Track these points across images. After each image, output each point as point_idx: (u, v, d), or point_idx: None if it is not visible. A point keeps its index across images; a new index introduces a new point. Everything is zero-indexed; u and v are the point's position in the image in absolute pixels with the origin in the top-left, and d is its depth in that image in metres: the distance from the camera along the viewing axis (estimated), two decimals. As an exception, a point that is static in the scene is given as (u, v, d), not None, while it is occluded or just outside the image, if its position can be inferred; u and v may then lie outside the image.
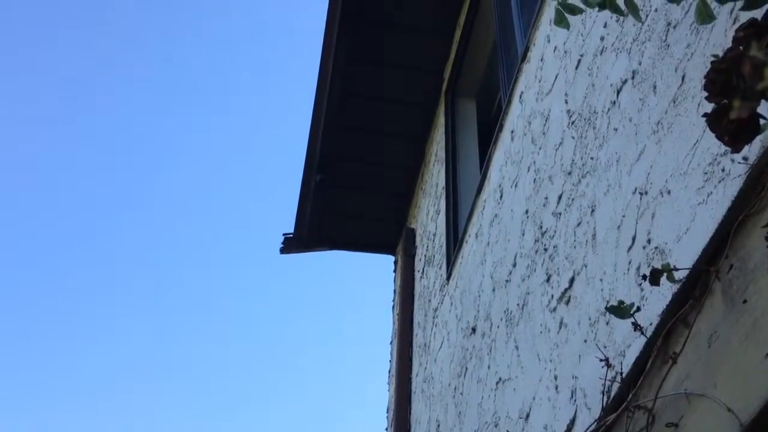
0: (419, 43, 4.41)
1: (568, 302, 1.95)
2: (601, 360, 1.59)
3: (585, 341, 1.79)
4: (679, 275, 1.35)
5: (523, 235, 2.46)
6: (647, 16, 1.77)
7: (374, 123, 4.87)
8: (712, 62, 0.83)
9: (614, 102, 1.87)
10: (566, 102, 2.26)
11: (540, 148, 2.44)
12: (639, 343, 1.50)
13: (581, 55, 2.19)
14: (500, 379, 2.44)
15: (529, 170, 2.52)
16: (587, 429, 1.59)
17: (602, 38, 2.05)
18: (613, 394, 1.57)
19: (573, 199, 2.05)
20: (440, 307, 3.64)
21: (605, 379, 1.57)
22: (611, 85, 1.92)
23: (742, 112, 0.75)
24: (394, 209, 5.38)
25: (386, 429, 4.87)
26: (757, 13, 1.11)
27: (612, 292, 1.69)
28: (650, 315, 1.48)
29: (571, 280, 1.95)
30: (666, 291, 1.43)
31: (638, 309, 1.42)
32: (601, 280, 1.76)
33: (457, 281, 3.34)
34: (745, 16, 1.29)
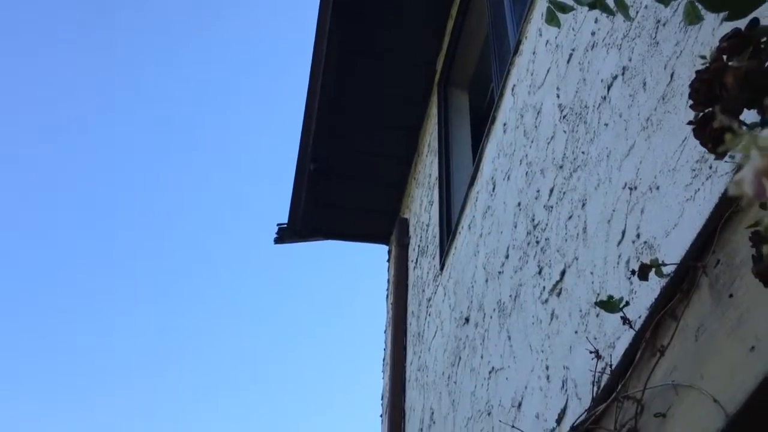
0: (412, 35, 4.43)
1: (559, 294, 1.99)
2: (591, 352, 1.62)
3: (576, 333, 1.83)
4: (667, 270, 1.39)
5: (515, 227, 2.49)
6: (637, 13, 1.79)
7: (368, 114, 4.89)
8: (696, 72, 0.85)
9: (605, 97, 1.90)
10: (558, 96, 2.29)
11: (532, 142, 2.46)
12: (628, 335, 1.54)
13: (573, 50, 2.22)
14: (493, 368, 2.48)
15: (521, 163, 2.55)
16: (578, 418, 1.63)
17: (593, 33, 2.08)
18: (602, 384, 1.61)
19: (564, 193, 2.08)
20: (434, 297, 3.68)
21: (595, 371, 1.61)
22: (602, 81, 1.94)
23: (725, 121, 0.78)
24: (388, 199, 5.41)
25: (381, 416, 4.92)
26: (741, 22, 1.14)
27: (602, 285, 1.73)
28: (639, 308, 1.51)
29: (563, 273, 1.99)
30: (654, 285, 1.46)
31: (627, 303, 1.45)
32: (591, 273, 1.80)
33: (451, 272, 3.38)
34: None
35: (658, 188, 1.53)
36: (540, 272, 2.17)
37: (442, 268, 3.57)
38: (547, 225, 2.18)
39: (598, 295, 1.73)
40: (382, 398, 5.01)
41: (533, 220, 2.32)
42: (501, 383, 2.37)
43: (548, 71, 2.43)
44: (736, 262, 1.25)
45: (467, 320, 2.93)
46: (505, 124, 2.85)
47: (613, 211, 1.73)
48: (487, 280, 2.73)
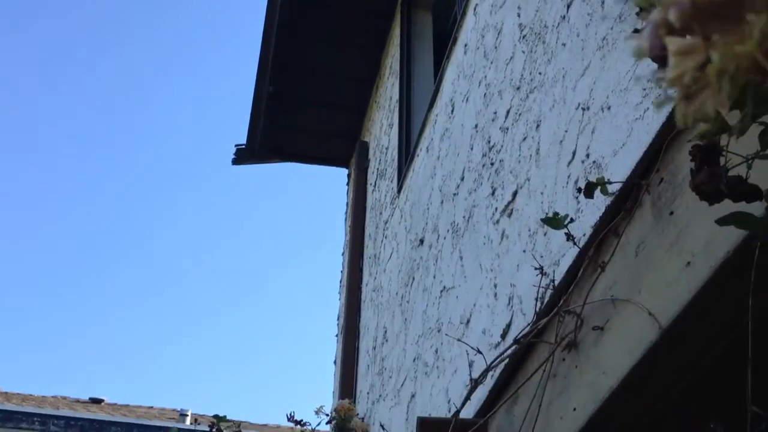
0: (376, -49, 4.29)
1: (510, 215, 2.02)
2: (536, 268, 1.66)
3: (524, 251, 1.87)
4: (612, 188, 1.41)
5: (471, 149, 2.50)
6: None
7: (329, 35, 4.78)
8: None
9: (564, 17, 1.88)
10: (519, 15, 2.26)
11: (492, 63, 2.44)
12: (572, 253, 1.58)
13: (535, -32, 2.18)
14: (444, 287, 2.53)
15: (480, 85, 2.53)
16: (520, 332, 1.68)
17: (556, -49, 2.03)
18: (545, 300, 1.65)
19: (520, 114, 2.08)
20: (391, 219, 3.70)
21: (539, 286, 1.65)
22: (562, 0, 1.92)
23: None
24: (349, 122, 5.36)
25: (336, 335, 5.02)
26: None
27: (551, 204, 1.75)
28: (584, 226, 1.54)
29: (514, 194, 2.01)
30: (600, 204, 1.49)
31: (572, 220, 1.48)
32: (541, 193, 1.82)
33: (408, 194, 3.39)
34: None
35: (609, 108, 1.53)
36: (493, 193, 2.19)
37: (399, 191, 3.58)
38: (502, 147, 2.19)
39: (547, 214, 1.76)
40: (338, 319, 5.09)
41: (489, 141, 2.32)
42: (451, 302, 2.42)
43: (510, -10, 2.38)
44: (678, 180, 1.27)
45: (422, 242, 2.96)
46: (466, 45, 2.81)
47: (566, 131, 1.74)
48: (442, 202, 2.75)
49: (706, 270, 1.15)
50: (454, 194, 2.61)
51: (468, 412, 1.91)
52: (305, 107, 5.28)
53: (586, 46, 1.71)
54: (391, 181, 3.87)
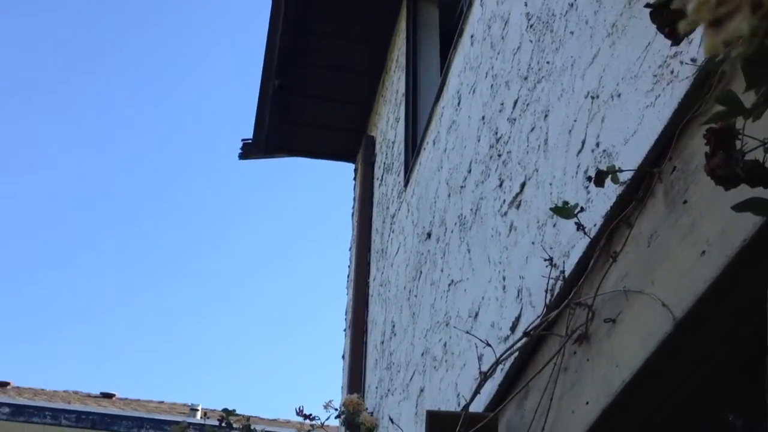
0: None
1: (518, 206, 1.99)
2: (545, 260, 1.63)
3: (533, 243, 1.84)
4: (624, 177, 1.38)
5: (478, 141, 2.47)
6: None
7: (335, 28, 4.75)
8: None
9: (572, 4, 1.85)
10: (526, 5, 2.22)
11: (498, 53, 2.41)
12: (583, 243, 1.55)
13: (542, -44, 2.14)
14: (452, 281, 2.50)
15: (486, 76, 2.50)
16: (530, 325, 1.65)
17: (564, -62, 2.00)
18: (555, 292, 1.63)
19: (528, 105, 2.05)
20: (397, 213, 3.68)
21: (549, 279, 1.63)
22: (570, -13, 1.89)
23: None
24: (355, 116, 5.33)
25: (344, 330, 5.00)
26: None
27: (560, 195, 1.72)
28: (595, 217, 1.51)
29: (523, 185, 1.98)
30: (611, 194, 1.46)
31: (582, 209, 1.45)
32: (550, 184, 1.79)
33: (414, 188, 3.37)
34: None
35: (619, 96, 1.50)
36: (501, 185, 2.16)
37: (406, 185, 3.55)
38: (509, 138, 2.16)
39: (556, 205, 1.73)
40: (345, 313, 5.08)
41: (496, 133, 2.29)
42: (459, 295, 2.40)
43: (517, -21, 2.35)
44: (692, 168, 1.24)
45: (429, 235, 2.94)
46: (472, 36, 2.78)
47: (575, 121, 1.71)
48: (449, 195, 2.73)
49: (722, 259, 1.13)
50: (462, 187, 2.58)
51: (477, 406, 1.89)
52: (311, 102, 5.25)
53: (595, 33, 1.68)
54: (398, 175, 3.84)
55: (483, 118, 2.46)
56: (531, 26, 2.14)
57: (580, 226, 1.45)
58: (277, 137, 5.43)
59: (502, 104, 2.28)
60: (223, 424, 2.60)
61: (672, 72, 1.31)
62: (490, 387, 1.88)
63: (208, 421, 6.75)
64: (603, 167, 1.51)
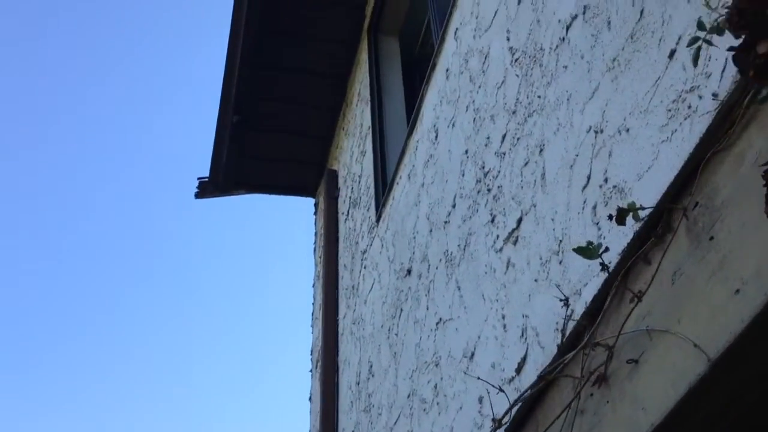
0: (341, -22, 4.25)
1: (515, 242, 1.95)
2: (560, 300, 1.59)
3: (536, 281, 1.80)
4: (643, 213, 1.35)
5: (462, 175, 2.43)
6: (598, -51, 1.73)
7: (293, 62, 4.70)
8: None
9: (563, 39, 1.84)
10: (508, 39, 2.21)
11: (480, 87, 2.39)
12: (596, 281, 1.51)
13: (524, -9, 2.14)
14: (441, 319, 2.44)
15: (467, 110, 2.48)
16: (546, 367, 1.60)
17: (548, -27, 2.00)
18: (568, 332, 1.58)
19: (518, 139, 2.02)
20: (369, 249, 3.61)
21: (565, 318, 1.58)
22: (559, 21, 1.88)
23: None
24: (315, 151, 5.27)
25: (311, 371, 4.87)
26: None
27: (565, 231, 1.69)
28: (609, 254, 1.48)
29: (519, 221, 1.94)
30: (627, 230, 1.43)
31: (606, 249, 1.42)
32: (552, 219, 1.76)
33: (388, 223, 3.31)
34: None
35: (628, 131, 1.48)
36: (493, 221, 2.12)
37: (378, 220, 3.49)
38: (499, 172, 2.13)
39: (561, 241, 1.70)
40: (311, 353, 4.95)
41: (483, 167, 2.26)
42: (450, 334, 2.34)
43: (496, 13, 2.35)
44: (717, 204, 1.22)
45: (409, 272, 2.87)
46: (447, 70, 2.76)
47: (576, 155, 1.68)
48: (431, 231, 2.68)
49: (761, 298, 1.10)
50: (446, 222, 2.54)
51: (483, 452, 1.82)
52: (270, 136, 5.18)
53: (593, 67, 1.67)
54: (368, 210, 3.78)
55: (466, 152, 2.43)
56: (516, 60, 2.13)
57: (604, 266, 1.41)
58: (235, 174, 5.32)
59: (488, 138, 2.25)
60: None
61: (689, 107, 1.29)
62: None
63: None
64: (614, 203, 1.49)
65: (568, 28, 1.82)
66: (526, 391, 1.63)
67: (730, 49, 0.86)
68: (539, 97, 1.93)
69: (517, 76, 2.10)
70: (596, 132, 1.61)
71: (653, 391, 1.32)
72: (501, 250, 2.03)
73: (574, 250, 1.40)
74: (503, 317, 1.96)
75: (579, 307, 1.56)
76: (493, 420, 1.66)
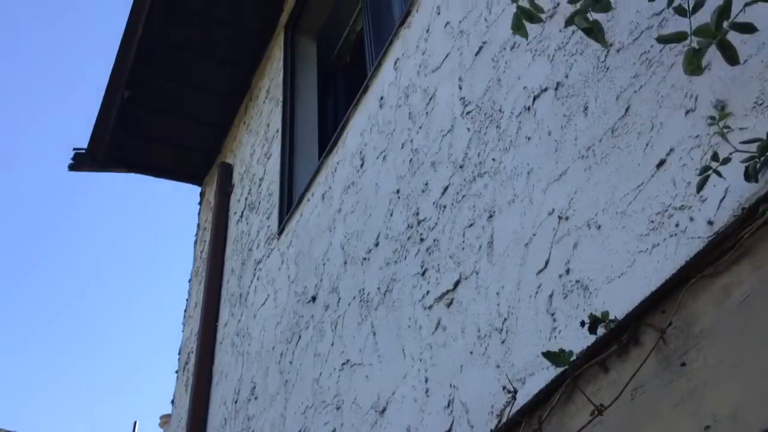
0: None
1: (449, 305, 1.89)
2: (504, 388, 1.54)
3: (471, 353, 1.74)
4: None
5: (391, 215, 2.34)
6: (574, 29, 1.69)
7: (197, 44, 4.42)
8: None
9: (528, 108, 1.80)
10: (460, 88, 2.15)
11: (421, 128, 2.31)
12: (544, 375, 1.48)
13: (484, 42, 2.08)
14: (348, 361, 2.34)
15: (403, 147, 2.39)
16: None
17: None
18: (506, 418, 1.54)
19: (464, 196, 1.96)
20: (266, 260, 3.44)
21: (505, 403, 1.53)
22: (525, 88, 1.83)
23: None
24: (206, 138, 5.00)
25: (176, 372, 4.61)
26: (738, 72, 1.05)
27: (512, 310, 1.64)
28: (560, 347, 1.44)
29: (456, 283, 1.88)
30: (585, 329, 1.40)
31: (577, 358, 1.38)
32: (497, 293, 1.71)
33: (292, 239, 3.16)
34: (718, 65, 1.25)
35: (599, 228, 1.46)
36: (424, 274, 2.05)
37: (280, 233, 3.33)
38: (436, 224, 2.06)
39: (506, 319, 1.65)
40: (179, 353, 4.69)
41: (417, 214, 2.18)
42: (358, 380, 2.25)
43: (447, 56, 2.27)
44: (695, 331, 1.21)
45: (314, 299, 2.75)
46: (382, 98, 2.66)
47: (534, 235, 1.64)
48: (346, 263, 2.57)
49: (734, 440, 1.09)
50: (364, 258, 2.44)
51: None
52: (160, 117, 4.86)
53: (562, 149, 1.63)
54: (267, 218, 3.61)
55: (398, 191, 2.34)
56: (468, 113, 2.07)
57: (565, 372, 1.37)
58: (117, 150, 4.95)
59: (426, 185, 2.18)
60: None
61: (677, 225, 1.27)
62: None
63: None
64: (576, 298, 1.46)
65: (535, 99, 1.78)
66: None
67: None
68: (494, 160, 1.88)
69: (468, 129, 2.04)
70: (560, 217, 1.57)
71: (598, 502, 1.29)
72: (430, 307, 1.97)
73: (543, 354, 1.35)
74: (426, 380, 1.89)
75: (521, 397, 1.52)
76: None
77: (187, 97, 4.76)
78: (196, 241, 5.13)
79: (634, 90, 1.46)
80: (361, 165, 2.67)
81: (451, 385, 1.78)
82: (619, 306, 1.34)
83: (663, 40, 1.17)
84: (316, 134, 3.79)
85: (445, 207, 2.04)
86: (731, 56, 1.07)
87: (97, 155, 4.97)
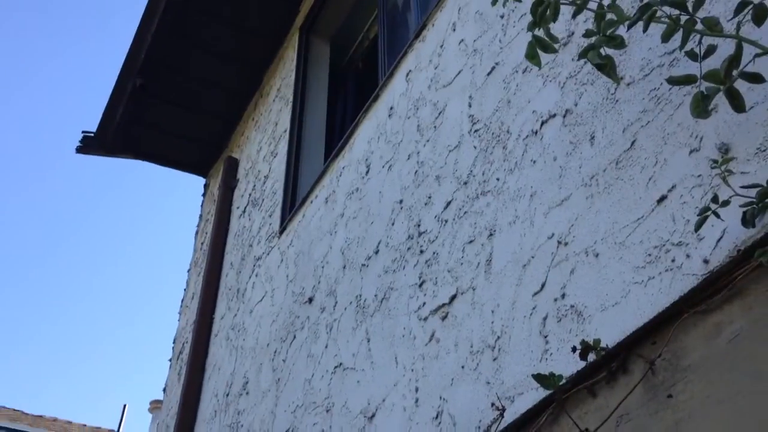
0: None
1: (444, 318, 1.92)
2: (493, 405, 1.57)
3: (462, 367, 1.78)
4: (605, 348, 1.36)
5: (392, 224, 2.38)
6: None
7: (212, 40, 4.46)
8: None
9: (535, 132, 1.83)
10: (470, 105, 2.19)
11: (428, 141, 2.35)
12: (533, 395, 1.51)
13: (497, 63, 2.12)
14: (341, 364, 2.38)
15: (410, 158, 2.43)
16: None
17: (528, 55, 1.99)
18: (493, 434, 1.57)
19: (466, 213, 2.00)
20: (266, 258, 3.48)
21: (492, 421, 1.57)
22: (534, 112, 1.87)
23: None
24: (214, 131, 5.05)
25: (170, 360, 4.65)
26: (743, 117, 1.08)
27: (505, 328, 1.68)
28: (552, 369, 1.48)
29: (452, 297, 1.92)
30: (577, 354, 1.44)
31: (566, 382, 1.41)
32: (492, 311, 1.75)
33: (293, 239, 3.20)
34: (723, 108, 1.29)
35: (597, 256, 1.49)
36: (421, 285, 2.09)
37: (282, 232, 3.37)
38: (437, 238, 2.10)
39: (499, 338, 1.69)
40: (174, 341, 4.73)
41: (419, 226, 2.22)
42: (349, 384, 2.28)
43: (459, 73, 2.31)
44: (684, 365, 1.25)
45: (311, 300, 2.79)
46: (391, 108, 2.70)
47: (532, 257, 1.68)
48: (345, 267, 2.61)
49: (713, 474, 1.13)
50: (363, 265, 2.47)
51: None
52: (170, 108, 4.90)
53: (566, 175, 1.67)
54: (270, 216, 3.64)
55: (401, 202, 2.38)
56: (476, 131, 2.10)
57: (555, 395, 1.41)
58: (124, 136, 5.00)
59: (429, 198, 2.22)
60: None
61: (673, 260, 1.31)
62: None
63: None
64: (570, 323, 1.49)
65: (543, 124, 1.82)
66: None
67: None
68: (498, 179, 1.91)
69: (475, 147, 2.08)
70: (559, 242, 1.61)
71: None
72: (425, 319, 2.00)
73: (533, 376, 1.39)
74: (416, 389, 1.93)
75: (509, 415, 1.56)
76: None
77: (198, 90, 4.80)
78: (197, 232, 5.17)
79: (641, 125, 1.50)
80: (367, 172, 2.71)
81: (440, 397, 1.82)
82: (611, 334, 1.38)
83: (673, 81, 1.21)
84: (323, 137, 3.83)
85: (446, 221, 2.08)
86: (738, 105, 1.11)
87: (105, 140, 5.01)
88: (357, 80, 4.22)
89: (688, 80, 1.18)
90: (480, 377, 1.70)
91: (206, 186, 5.34)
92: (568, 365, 1.45)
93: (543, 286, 1.61)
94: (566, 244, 1.59)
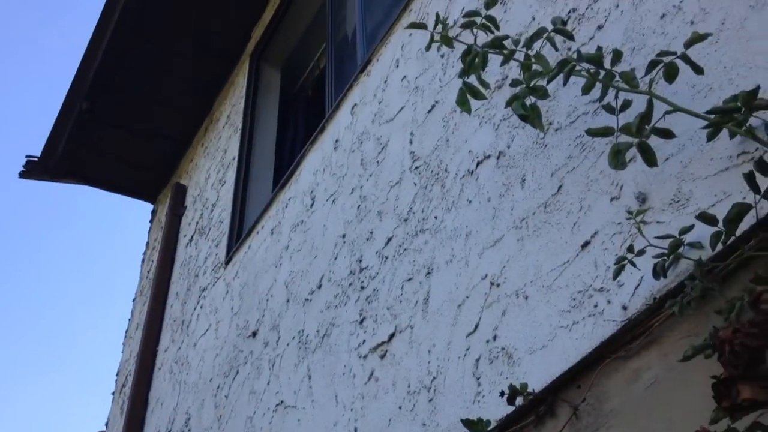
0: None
1: (383, 356, 1.93)
2: (427, 448, 1.58)
3: (399, 408, 1.78)
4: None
5: (335, 259, 2.38)
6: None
7: (161, 63, 4.43)
8: (735, 329, 0.82)
9: (472, 172, 1.86)
10: (411, 142, 2.21)
11: (371, 176, 2.36)
12: (466, 436, 1.52)
13: (437, 101, 2.15)
14: (282, 402, 2.36)
15: (353, 192, 2.44)
16: None
17: (465, 95, 2.02)
18: (427, 476, 1.58)
19: (405, 250, 2.01)
20: (211, 289, 3.44)
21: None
22: (470, 152, 1.90)
23: (758, 395, 0.76)
24: (162, 156, 4.99)
25: (113, 393, 4.54)
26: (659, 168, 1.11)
27: (441, 369, 1.69)
28: (484, 413, 1.49)
29: (391, 336, 1.93)
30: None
31: (495, 428, 1.43)
32: (429, 351, 1.76)
33: (239, 271, 3.17)
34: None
35: (527, 298, 1.52)
36: (361, 322, 2.09)
37: (228, 263, 3.34)
38: (377, 274, 2.11)
39: (434, 378, 1.70)
40: (117, 374, 4.62)
41: (360, 261, 2.22)
42: (290, 423, 2.26)
43: (402, 110, 2.34)
44: (606, 410, 1.27)
45: (255, 334, 2.76)
46: (337, 141, 2.71)
47: (467, 297, 1.70)
48: (288, 301, 2.59)
49: None
50: (306, 299, 2.47)
51: None
52: (117, 131, 4.84)
53: (499, 216, 1.70)
54: (216, 246, 3.61)
55: (344, 236, 2.38)
56: (416, 168, 2.13)
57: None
58: (70, 161, 4.91)
59: (371, 234, 2.23)
60: None
61: (596, 306, 1.34)
62: None
63: None
64: (501, 365, 1.51)
65: (478, 164, 1.84)
66: None
67: (713, 377, 0.89)
68: (436, 218, 1.94)
69: (415, 184, 2.10)
70: (492, 283, 1.63)
71: None
72: (365, 357, 2.00)
73: (462, 421, 1.40)
74: (355, 430, 1.92)
75: (443, 455, 1.56)
76: None
77: (147, 113, 4.75)
78: (143, 260, 5.09)
79: (567, 170, 1.54)
80: (312, 204, 2.71)
81: (378, 438, 1.82)
82: (540, 377, 1.40)
83: (592, 133, 1.24)
84: (272, 165, 3.82)
85: (387, 258, 2.09)
86: (650, 159, 1.14)
87: (49, 165, 4.92)
88: (307, 108, 4.23)
89: (605, 132, 1.22)
90: (416, 418, 1.70)
91: (154, 212, 5.27)
92: (499, 408, 1.47)
93: (476, 327, 1.63)
94: (498, 285, 1.61)
